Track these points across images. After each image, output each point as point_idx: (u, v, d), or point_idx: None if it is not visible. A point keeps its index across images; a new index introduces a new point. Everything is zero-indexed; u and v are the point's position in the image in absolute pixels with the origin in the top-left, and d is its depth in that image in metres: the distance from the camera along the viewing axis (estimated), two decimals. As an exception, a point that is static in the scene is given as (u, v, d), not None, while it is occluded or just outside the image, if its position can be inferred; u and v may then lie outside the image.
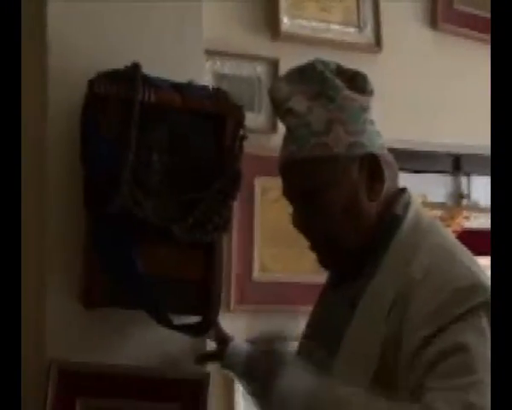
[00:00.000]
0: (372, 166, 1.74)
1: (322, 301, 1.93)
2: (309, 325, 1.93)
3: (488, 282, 1.65)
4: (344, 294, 1.79)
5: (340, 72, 1.79)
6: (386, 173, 1.76)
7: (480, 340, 1.55)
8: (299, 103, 1.75)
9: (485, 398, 1.48)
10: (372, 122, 1.78)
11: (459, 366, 1.53)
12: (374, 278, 1.71)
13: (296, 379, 1.65)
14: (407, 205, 1.77)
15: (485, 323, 1.58)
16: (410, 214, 1.76)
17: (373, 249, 1.75)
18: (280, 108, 1.80)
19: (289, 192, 1.83)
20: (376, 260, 1.73)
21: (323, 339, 1.80)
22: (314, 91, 1.75)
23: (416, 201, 1.83)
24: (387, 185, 1.76)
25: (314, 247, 1.82)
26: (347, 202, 1.74)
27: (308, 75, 1.77)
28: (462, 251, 1.74)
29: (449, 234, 1.84)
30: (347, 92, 1.74)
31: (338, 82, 1.75)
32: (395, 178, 1.81)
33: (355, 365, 1.67)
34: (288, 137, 1.79)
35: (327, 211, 1.75)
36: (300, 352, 1.91)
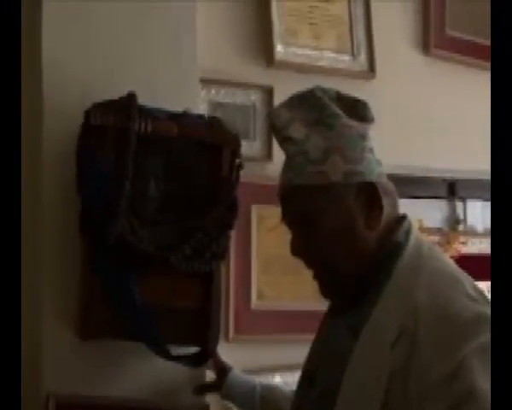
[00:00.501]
0: (369, 194, 1.72)
1: (324, 331, 1.89)
2: (310, 354, 1.89)
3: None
4: (346, 322, 1.76)
5: (341, 99, 1.77)
6: (385, 201, 1.73)
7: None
8: (297, 131, 1.74)
9: None
10: (371, 150, 1.76)
11: None
12: (376, 305, 1.68)
13: None
14: (408, 232, 1.75)
15: None
16: (412, 241, 1.73)
17: (375, 277, 1.72)
18: (279, 135, 1.79)
19: (287, 218, 1.81)
20: (379, 287, 1.69)
21: (328, 369, 1.76)
22: (313, 118, 1.74)
23: (415, 227, 1.81)
24: (387, 213, 1.74)
25: (315, 275, 1.80)
26: (344, 230, 1.72)
27: (307, 102, 1.76)
28: (463, 276, 1.71)
29: (448, 259, 1.81)
30: (346, 120, 1.72)
31: (337, 109, 1.73)
32: (395, 205, 1.78)
33: (360, 398, 1.62)
34: (287, 164, 1.78)
35: (323, 238, 1.72)
36: (301, 386, 1.87)
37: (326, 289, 1.80)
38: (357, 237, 1.72)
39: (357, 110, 1.76)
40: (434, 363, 1.54)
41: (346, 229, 1.72)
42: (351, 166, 1.71)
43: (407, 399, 1.55)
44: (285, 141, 1.76)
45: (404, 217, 1.80)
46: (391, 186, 1.78)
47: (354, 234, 1.72)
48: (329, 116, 1.73)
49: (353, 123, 1.73)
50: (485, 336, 1.54)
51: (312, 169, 1.71)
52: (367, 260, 1.73)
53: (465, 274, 1.72)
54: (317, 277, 1.79)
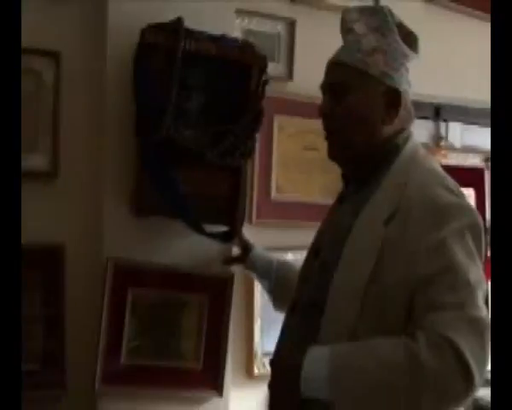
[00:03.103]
0: (393, 97, 1.70)
1: (330, 215, 1.87)
2: (319, 233, 1.88)
3: (471, 206, 1.66)
4: (348, 206, 1.75)
5: (401, 25, 1.76)
6: (402, 112, 1.72)
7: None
8: (359, 28, 1.73)
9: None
10: (407, 70, 1.75)
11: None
12: (375, 192, 1.67)
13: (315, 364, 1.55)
14: (406, 139, 1.73)
15: (471, 244, 1.56)
16: (409, 146, 1.72)
17: (374, 169, 1.71)
18: (344, 26, 1.78)
19: (325, 84, 1.78)
20: (377, 179, 1.69)
21: (330, 243, 1.75)
22: (374, 25, 1.72)
23: (416, 140, 1.78)
24: (399, 121, 1.72)
25: (327, 136, 1.77)
26: (364, 112, 1.70)
27: (376, 13, 1.75)
28: (446, 176, 1.70)
29: (437, 164, 1.79)
30: (397, 38, 1.71)
31: (394, 27, 1.72)
32: (407, 121, 1.76)
33: (355, 264, 1.61)
34: (341, 48, 1.76)
35: (345, 110, 1.70)
36: (308, 260, 1.86)
37: (333, 151, 1.77)
38: (370, 123, 1.72)
39: (409, 38, 1.76)
40: (421, 237, 1.55)
41: (366, 113, 1.71)
42: (388, 70, 1.70)
43: (395, 265, 1.55)
44: (348, 32, 1.76)
45: (407, 130, 1.78)
46: (412, 109, 1.77)
47: (370, 119, 1.72)
48: (387, 29, 1.72)
49: (401, 43, 1.72)
50: (460, 222, 1.57)
51: (359, 56, 1.70)
52: (372, 148, 1.72)
53: (448, 176, 1.71)
54: (329, 138, 1.77)
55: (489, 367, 1.45)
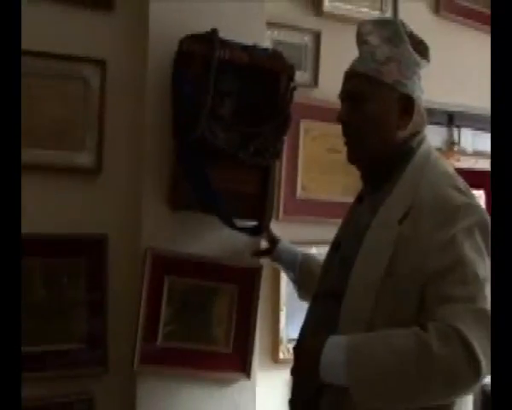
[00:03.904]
0: (407, 104, 1.71)
1: (350, 214, 1.88)
2: (340, 229, 1.89)
3: (480, 205, 1.65)
4: (366, 205, 1.76)
5: (412, 35, 1.76)
6: (416, 117, 1.72)
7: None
8: (374, 39, 1.73)
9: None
10: (419, 78, 1.75)
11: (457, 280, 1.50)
12: (391, 193, 1.67)
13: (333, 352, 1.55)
14: (420, 142, 1.73)
15: (480, 241, 1.56)
16: (422, 149, 1.72)
17: (390, 171, 1.71)
18: (360, 38, 1.78)
19: (343, 93, 1.78)
20: (393, 180, 1.69)
21: (349, 239, 1.76)
22: (387, 35, 1.73)
23: (430, 143, 1.77)
24: (414, 125, 1.72)
25: (346, 141, 1.78)
26: (380, 118, 1.71)
27: (389, 24, 1.76)
28: (458, 176, 1.70)
29: (449, 166, 1.78)
30: (409, 47, 1.72)
31: (405, 37, 1.72)
32: (422, 124, 1.75)
33: (372, 258, 1.62)
34: (357, 59, 1.77)
35: (363, 116, 1.71)
36: (329, 253, 1.87)
37: (352, 155, 1.78)
38: (386, 129, 1.72)
39: (420, 47, 1.76)
40: (432, 234, 1.55)
41: (381, 119, 1.71)
42: (401, 78, 1.70)
43: (408, 260, 1.56)
44: (363, 43, 1.77)
45: (421, 134, 1.77)
46: (425, 114, 1.77)
47: (386, 125, 1.72)
48: (399, 39, 1.72)
49: (413, 52, 1.72)
50: (469, 220, 1.57)
51: (374, 66, 1.70)
52: (388, 151, 1.72)
53: (459, 177, 1.71)
54: (348, 143, 1.78)
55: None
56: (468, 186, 1.67)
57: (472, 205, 1.61)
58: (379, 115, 1.70)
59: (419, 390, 1.46)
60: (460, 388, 1.46)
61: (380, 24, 1.76)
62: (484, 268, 1.52)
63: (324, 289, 1.78)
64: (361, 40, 1.78)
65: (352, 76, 1.75)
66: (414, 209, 1.60)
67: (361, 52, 1.77)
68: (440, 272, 1.51)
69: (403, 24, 1.76)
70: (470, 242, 1.54)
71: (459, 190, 1.63)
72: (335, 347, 1.54)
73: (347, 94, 1.76)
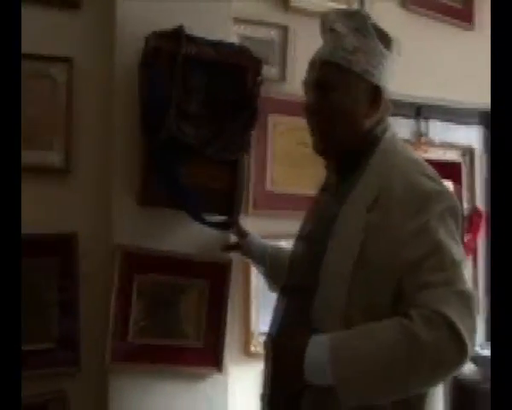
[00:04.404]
0: (375, 93, 1.69)
1: (316, 204, 1.86)
2: (305, 221, 1.87)
3: (450, 191, 1.65)
4: (333, 195, 1.75)
5: (377, 27, 1.74)
6: (382, 107, 1.71)
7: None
8: (341, 28, 1.70)
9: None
10: (385, 68, 1.71)
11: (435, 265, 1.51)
12: (358, 182, 1.67)
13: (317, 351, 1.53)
14: (384, 130, 1.72)
15: (452, 225, 1.57)
16: (387, 136, 1.71)
17: (357, 160, 1.70)
18: (325, 26, 1.76)
19: (308, 83, 1.76)
20: (360, 169, 1.68)
21: (317, 230, 1.74)
22: (354, 26, 1.70)
23: (394, 130, 1.76)
24: (379, 115, 1.71)
25: (313, 131, 1.75)
26: (349, 108, 1.69)
27: (354, 16, 1.73)
28: (426, 164, 1.70)
29: (415, 153, 1.80)
30: (375, 39, 1.70)
31: (372, 29, 1.71)
32: (385, 112, 1.74)
33: (343, 247, 1.61)
34: (323, 47, 1.74)
35: (332, 105, 1.69)
36: (296, 246, 1.84)
37: (319, 145, 1.76)
38: (355, 118, 1.70)
39: (385, 38, 1.73)
40: (405, 223, 1.55)
41: (350, 108, 1.69)
42: (369, 68, 1.68)
43: (380, 250, 1.55)
44: (329, 31, 1.73)
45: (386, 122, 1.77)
46: (388, 102, 1.74)
47: (355, 115, 1.69)
48: (366, 30, 1.70)
49: (379, 44, 1.70)
50: (441, 206, 1.57)
51: (343, 54, 1.68)
52: (355, 140, 1.71)
53: (426, 163, 1.71)
54: (314, 133, 1.75)
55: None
56: (435, 172, 1.67)
57: (442, 191, 1.61)
58: (348, 105, 1.69)
59: (409, 380, 1.46)
60: (448, 370, 1.47)
61: (345, 14, 1.74)
62: (458, 252, 1.53)
63: (293, 283, 1.76)
64: (327, 28, 1.75)
65: (320, 64, 1.72)
66: (383, 197, 1.59)
67: (327, 40, 1.74)
68: (417, 261, 1.51)
69: (368, 16, 1.74)
70: (444, 227, 1.54)
71: (428, 176, 1.62)
72: (319, 346, 1.52)
73: (316, 82, 1.72)
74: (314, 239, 1.73)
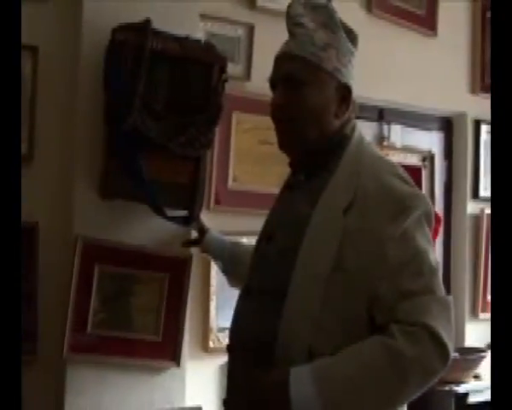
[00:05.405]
0: (345, 92, 1.66)
1: (281, 202, 1.79)
2: (269, 219, 1.80)
3: (423, 193, 1.67)
4: (302, 194, 1.69)
5: (342, 22, 1.70)
6: (350, 107, 1.68)
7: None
8: (308, 22, 1.65)
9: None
10: (352, 67, 1.70)
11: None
12: (330, 181, 1.63)
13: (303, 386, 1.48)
14: (353, 129, 1.70)
15: (427, 229, 1.58)
16: (356, 135, 1.69)
17: (326, 159, 1.67)
18: (291, 20, 1.67)
19: (277, 77, 1.69)
20: (329, 168, 1.65)
21: (287, 230, 1.66)
22: (322, 21, 1.66)
23: (360, 130, 1.74)
24: (348, 115, 1.69)
25: (279, 126, 1.70)
26: (318, 105, 1.65)
27: (320, 9, 1.68)
28: (397, 166, 1.68)
29: (382, 152, 1.82)
30: (344, 35, 1.67)
31: (340, 25, 1.68)
32: (352, 112, 1.71)
33: (318, 250, 1.57)
34: (291, 41, 1.67)
35: (301, 101, 1.64)
36: (261, 245, 1.77)
37: (285, 141, 1.70)
38: (324, 116, 1.66)
39: (351, 35, 1.70)
40: (382, 228, 1.53)
41: (320, 106, 1.65)
42: (340, 66, 1.65)
43: (357, 254, 1.53)
44: (296, 25, 1.66)
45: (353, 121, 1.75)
46: (354, 100, 1.71)
47: (324, 114, 1.66)
48: (335, 26, 1.66)
49: (347, 40, 1.68)
50: (417, 211, 1.56)
51: (313, 50, 1.63)
52: (324, 139, 1.67)
53: (395, 163, 1.71)
54: (281, 129, 1.70)
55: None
56: (406, 172, 1.65)
57: (418, 195, 1.60)
58: (318, 102, 1.64)
59: (399, 397, 1.49)
60: (433, 378, 1.49)
61: (311, 7, 1.68)
62: (434, 257, 1.55)
63: (260, 285, 1.68)
64: (293, 23, 1.67)
65: (289, 58, 1.66)
66: (357, 199, 1.56)
67: (295, 34, 1.66)
68: (396, 268, 1.50)
69: (334, 10, 1.69)
70: (421, 232, 1.55)
71: (401, 178, 1.61)
72: (301, 379, 1.47)
73: (285, 77, 1.66)
74: (283, 240, 1.66)
